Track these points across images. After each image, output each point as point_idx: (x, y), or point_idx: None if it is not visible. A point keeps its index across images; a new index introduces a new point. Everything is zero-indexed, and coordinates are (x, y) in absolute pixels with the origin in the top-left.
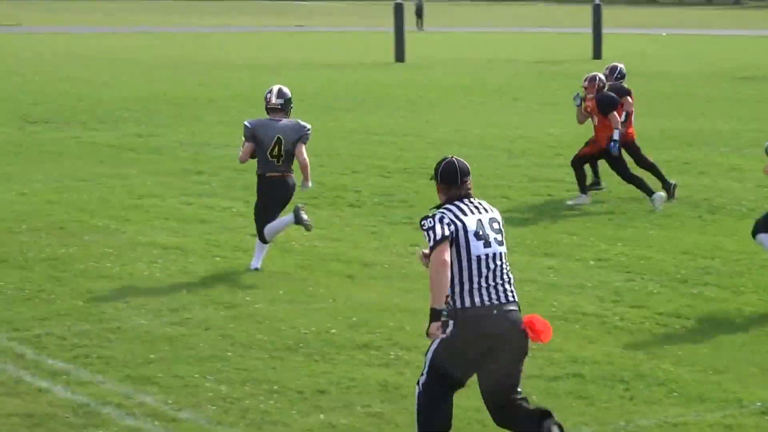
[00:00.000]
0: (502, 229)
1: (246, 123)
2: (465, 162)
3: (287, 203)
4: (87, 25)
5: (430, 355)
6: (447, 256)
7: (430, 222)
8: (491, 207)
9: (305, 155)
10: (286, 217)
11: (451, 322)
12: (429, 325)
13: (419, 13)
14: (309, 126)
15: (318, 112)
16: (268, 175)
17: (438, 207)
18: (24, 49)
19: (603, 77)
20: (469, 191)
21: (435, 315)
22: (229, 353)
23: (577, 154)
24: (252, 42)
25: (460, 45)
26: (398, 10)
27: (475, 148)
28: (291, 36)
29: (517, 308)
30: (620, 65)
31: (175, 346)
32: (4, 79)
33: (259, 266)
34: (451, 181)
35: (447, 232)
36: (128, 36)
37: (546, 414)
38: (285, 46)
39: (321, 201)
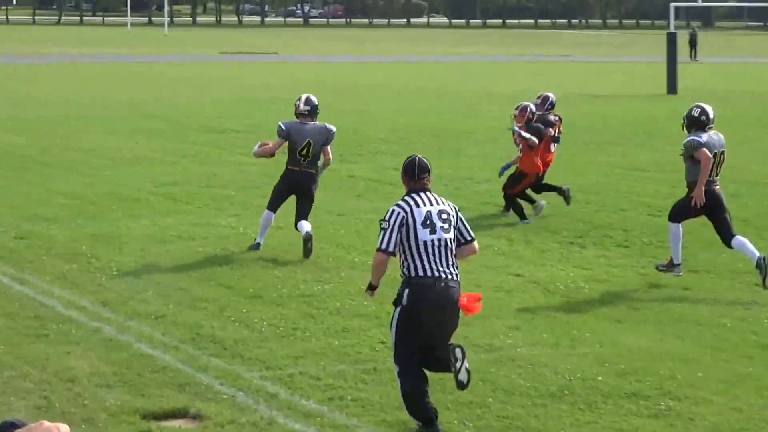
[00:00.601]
0: (451, 220)
1: (281, 124)
2: (426, 162)
3: (302, 192)
4: (341, 54)
5: (393, 328)
6: (384, 259)
7: (386, 224)
8: (446, 202)
9: (330, 155)
10: (304, 225)
11: (406, 291)
12: (367, 290)
13: (693, 43)
14: (334, 129)
15: (585, 146)
16: (290, 168)
17: (402, 198)
18: (280, 76)
19: (533, 108)
20: (426, 186)
21: (370, 286)
22: (490, 399)
23: (512, 190)
24: (515, 71)
25: (736, 76)
26: (671, 39)
27: (748, 186)
28: (557, 66)
29: (457, 286)
30: (551, 96)
31: (432, 390)
32: (264, 106)
33: (261, 242)
34: (411, 176)
35: (392, 248)
36: (382, 66)
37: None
38: (551, 77)
39: (587, 240)
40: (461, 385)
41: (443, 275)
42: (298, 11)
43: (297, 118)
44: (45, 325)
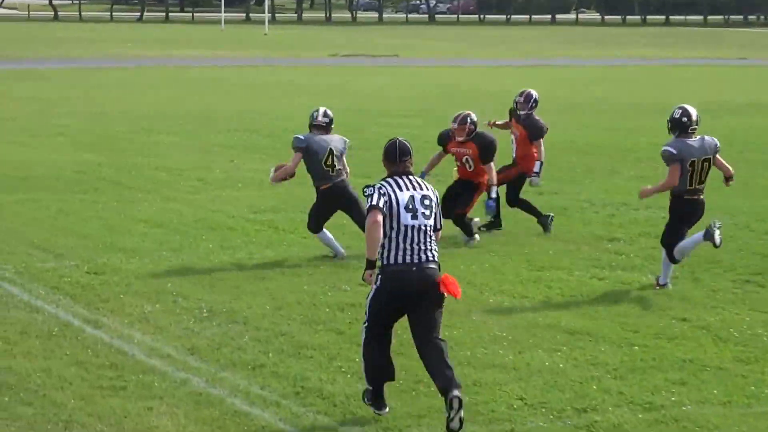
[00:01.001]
0: (433, 207)
1: (298, 136)
2: (407, 144)
3: (346, 203)
4: (472, 57)
5: (368, 303)
6: (379, 218)
7: (371, 191)
8: (429, 186)
9: (347, 167)
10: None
11: (379, 277)
12: (364, 272)
13: None
14: (349, 141)
15: (763, 166)
16: (322, 187)
17: (383, 179)
18: (400, 84)
19: (474, 117)
20: (408, 169)
21: (369, 264)
22: None
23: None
24: (680, 77)
25: None
26: None
27: None
28: (730, 71)
29: (436, 267)
30: (534, 93)
31: None
32: (379, 119)
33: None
34: (391, 159)
35: (381, 203)
36: (520, 71)
37: (451, 383)
38: (724, 83)
39: (766, 278)
40: None
41: (420, 259)
42: (422, 6)
43: (312, 130)
44: (123, 376)
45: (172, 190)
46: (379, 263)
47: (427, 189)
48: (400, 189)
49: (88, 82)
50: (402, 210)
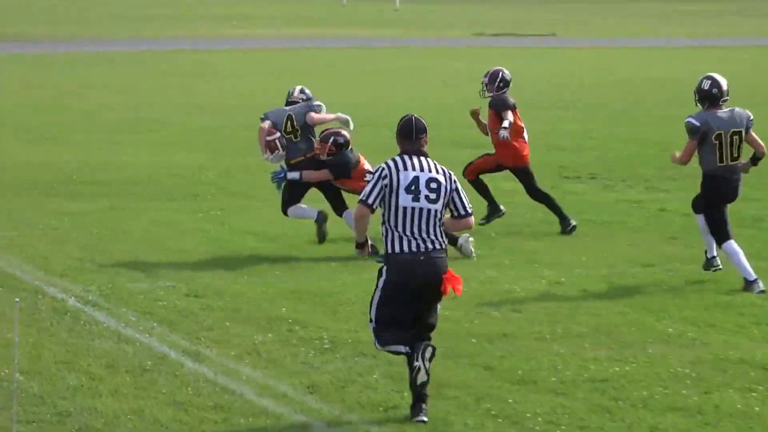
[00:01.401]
0: (441, 191)
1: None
2: (423, 120)
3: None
4: (644, 36)
5: (373, 305)
6: (365, 213)
7: (370, 178)
8: (441, 169)
9: (323, 117)
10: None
11: (384, 268)
12: (355, 249)
13: None
14: (319, 102)
15: None
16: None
17: (391, 157)
18: (558, 69)
19: (345, 137)
20: (422, 147)
21: (358, 244)
22: None
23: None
24: None
25: None
26: None
27: None
28: None
29: (443, 255)
30: (503, 70)
31: None
32: (534, 112)
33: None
34: (405, 136)
35: (372, 199)
36: (702, 52)
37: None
38: None
39: None
40: (415, 387)
41: (424, 246)
42: None
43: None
44: (229, 419)
45: None
46: (382, 251)
47: (438, 172)
48: (405, 169)
49: (185, 67)
50: (401, 191)
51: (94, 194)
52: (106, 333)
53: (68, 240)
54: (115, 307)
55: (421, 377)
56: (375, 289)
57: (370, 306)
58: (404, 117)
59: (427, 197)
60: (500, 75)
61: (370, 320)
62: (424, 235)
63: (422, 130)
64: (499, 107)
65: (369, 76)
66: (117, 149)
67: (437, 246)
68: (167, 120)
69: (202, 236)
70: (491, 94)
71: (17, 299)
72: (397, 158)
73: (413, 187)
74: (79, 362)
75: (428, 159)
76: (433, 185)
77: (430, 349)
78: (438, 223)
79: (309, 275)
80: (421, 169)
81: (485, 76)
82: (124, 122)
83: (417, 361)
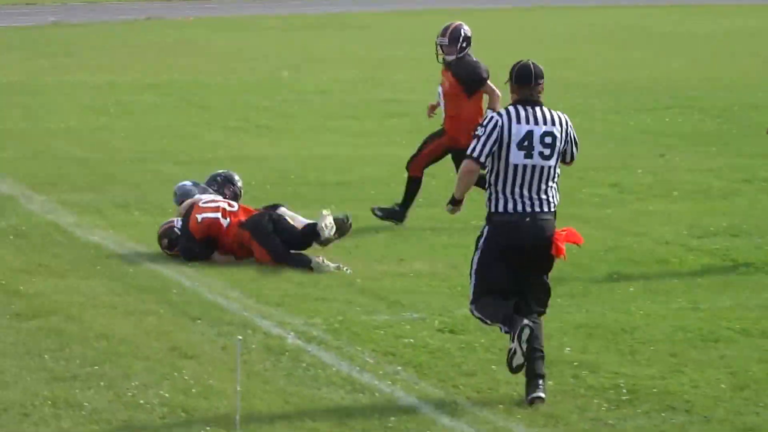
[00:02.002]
0: (557, 144)
1: None
2: (540, 67)
3: None
4: None
5: (472, 273)
6: (473, 167)
7: (481, 131)
8: (559, 119)
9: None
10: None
11: (485, 228)
12: (448, 204)
13: None
14: None
15: None
16: None
17: (505, 107)
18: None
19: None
20: (538, 96)
21: (454, 200)
22: None
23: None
24: None
25: None
26: None
27: None
28: None
29: (552, 218)
30: (462, 26)
31: None
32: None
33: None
34: (522, 82)
35: (483, 156)
36: None
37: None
38: None
39: None
40: (511, 369)
41: (531, 207)
42: None
43: None
44: None
45: (567, 199)
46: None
47: (555, 123)
48: (518, 121)
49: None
50: (513, 146)
51: (327, 198)
52: (336, 379)
53: None
54: (346, 345)
55: (517, 360)
56: (474, 251)
57: (470, 268)
58: (519, 62)
59: (541, 153)
60: (461, 32)
61: (471, 280)
62: (534, 195)
63: (541, 75)
64: (469, 85)
65: (685, 40)
66: (350, 141)
67: (545, 208)
68: (413, 100)
69: (460, 254)
70: (452, 57)
71: (239, 337)
72: (510, 109)
73: (526, 143)
74: (302, 417)
75: (543, 108)
76: (548, 140)
77: (527, 330)
78: (551, 181)
79: (600, 305)
80: (536, 122)
81: (442, 34)
82: (358, 104)
83: (513, 342)
